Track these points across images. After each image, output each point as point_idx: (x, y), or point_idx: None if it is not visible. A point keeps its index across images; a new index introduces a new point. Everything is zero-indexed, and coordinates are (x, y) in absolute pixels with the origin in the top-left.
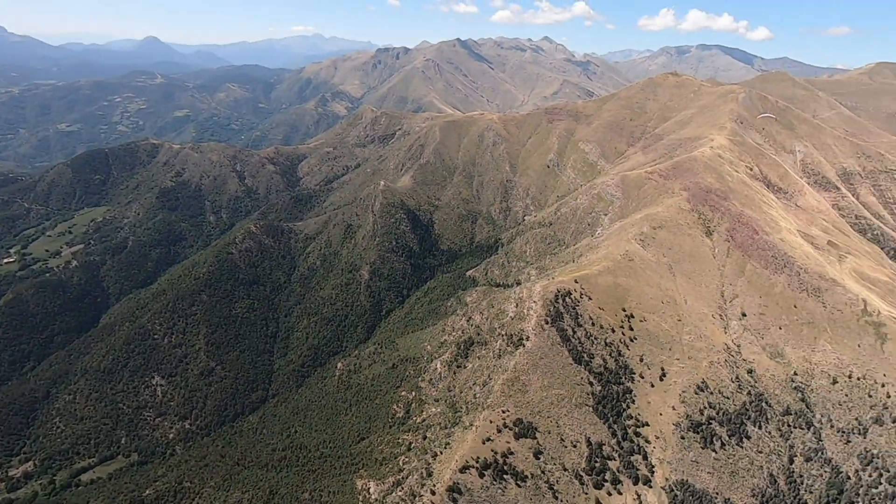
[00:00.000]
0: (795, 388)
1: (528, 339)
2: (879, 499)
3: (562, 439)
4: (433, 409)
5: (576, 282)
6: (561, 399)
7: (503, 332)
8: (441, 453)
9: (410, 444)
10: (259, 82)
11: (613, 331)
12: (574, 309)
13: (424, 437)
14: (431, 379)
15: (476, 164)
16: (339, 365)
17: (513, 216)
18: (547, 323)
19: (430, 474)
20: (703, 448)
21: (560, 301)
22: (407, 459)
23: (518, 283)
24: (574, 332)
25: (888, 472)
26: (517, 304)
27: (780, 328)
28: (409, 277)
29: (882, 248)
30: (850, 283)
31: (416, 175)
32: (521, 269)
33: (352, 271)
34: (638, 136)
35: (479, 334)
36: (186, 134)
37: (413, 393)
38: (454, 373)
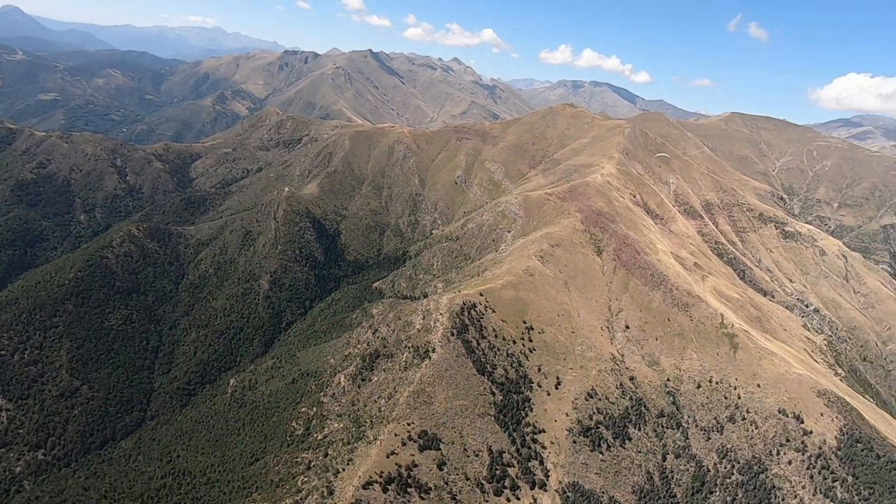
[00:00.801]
0: (668, 392)
1: (434, 350)
2: (732, 487)
3: (465, 449)
4: (336, 425)
5: (481, 295)
6: (465, 409)
7: (409, 345)
8: (343, 470)
9: (310, 462)
10: (147, 71)
11: (515, 342)
12: (479, 321)
13: (326, 455)
14: (334, 393)
15: (386, 176)
16: (232, 381)
17: (421, 229)
18: (453, 335)
19: (331, 492)
20: (591, 451)
21: (466, 313)
22: (306, 479)
23: (425, 296)
24: (478, 344)
25: (739, 463)
26: (424, 317)
27: (657, 339)
28: (313, 288)
29: (734, 270)
30: (711, 300)
31: (323, 183)
32: (428, 282)
33: (249, 280)
34: (539, 160)
35: (385, 347)
36: (53, 121)
37: (314, 409)
38: (358, 386)
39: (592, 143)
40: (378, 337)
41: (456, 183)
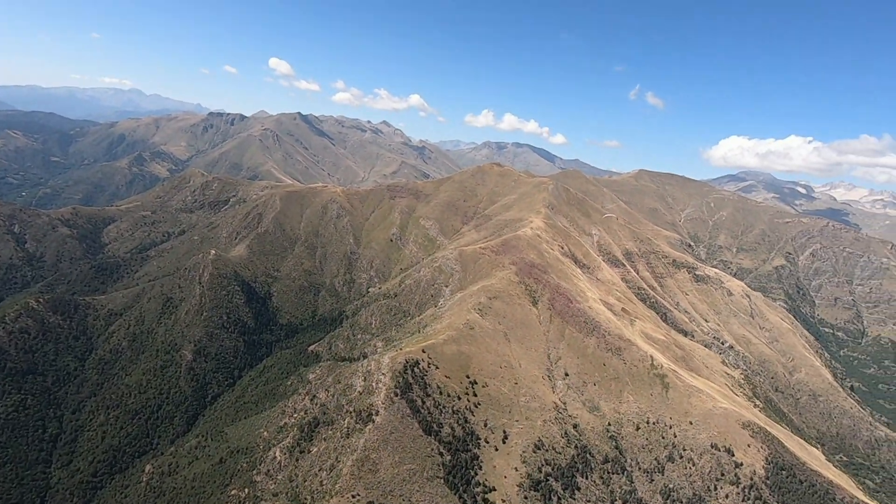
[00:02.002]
0: (610, 437)
1: (377, 413)
2: None
3: None
4: None
5: (423, 351)
6: (413, 474)
7: (351, 409)
8: None
9: None
10: (54, 132)
11: (459, 398)
12: (423, 379)
13: None
14: (269, 470)
15: (319, 236)
16: (148, 467)
17: (357, 288)
18: (396, 395)
19: None
20: None
21: (409, 372)
22: None
23: (365, 356)
24: (423, 403)
25: (681, 502)
26: (365, 378)
27: (595, 384)
28: (243, 356)
29: (657, 313)
30: (640, 343)
31: (252, 244)
32: (367, 342)
33: (170, 352)
34: (471, 216)
35: (324, 413)
36: None
37: (246, 490)
38: (297, 460)
39: (520, 199)
40: (316, 403)
41: (391, 240)
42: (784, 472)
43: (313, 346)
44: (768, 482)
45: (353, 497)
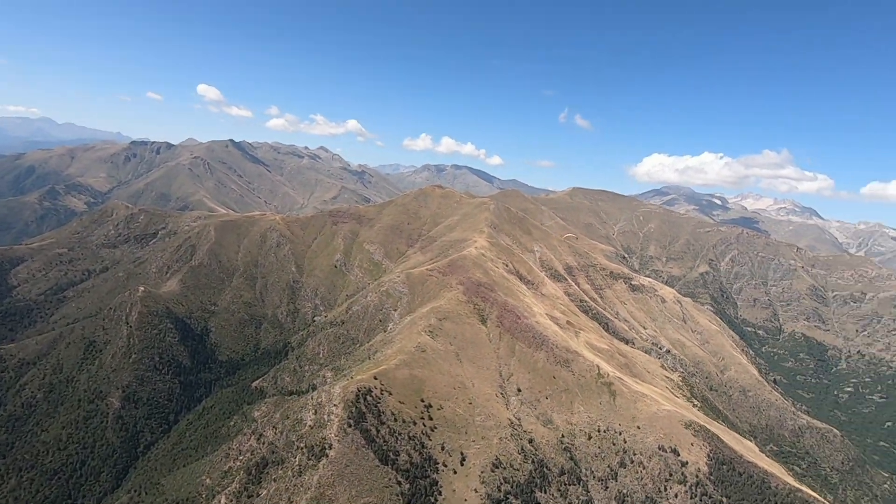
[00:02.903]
0: (565, 448)
1: (331, 447)
2: None
3: None
4: None
5: (375, 378)
6: None
7: (302, 445)
8: None
9: None
10: None
11: (415, 423)
12: (376, 406)
13: None
14: None
15: (259, 266)
16: None
17: (301, 318)
18: (350, 426)
19: None
20: None
21: (362, 400)
22: None
23: (314, 388)
24: (378, 431)
25: None
26: (316, 411)
27: (547, 397)
28: (179, 398)
29: (599, 323)
30: (586, 353)
31: (186, 278)
32: (315, 373)
33: (95, 401)
34: (416, 238)
35: (273, 452)
36: None
37: None
38: None
39: (463, 219)
40: (264, 442)
41: (335, 267)
42: (725, 467)
43: (257, 382)
44: (712, 477)
45: None
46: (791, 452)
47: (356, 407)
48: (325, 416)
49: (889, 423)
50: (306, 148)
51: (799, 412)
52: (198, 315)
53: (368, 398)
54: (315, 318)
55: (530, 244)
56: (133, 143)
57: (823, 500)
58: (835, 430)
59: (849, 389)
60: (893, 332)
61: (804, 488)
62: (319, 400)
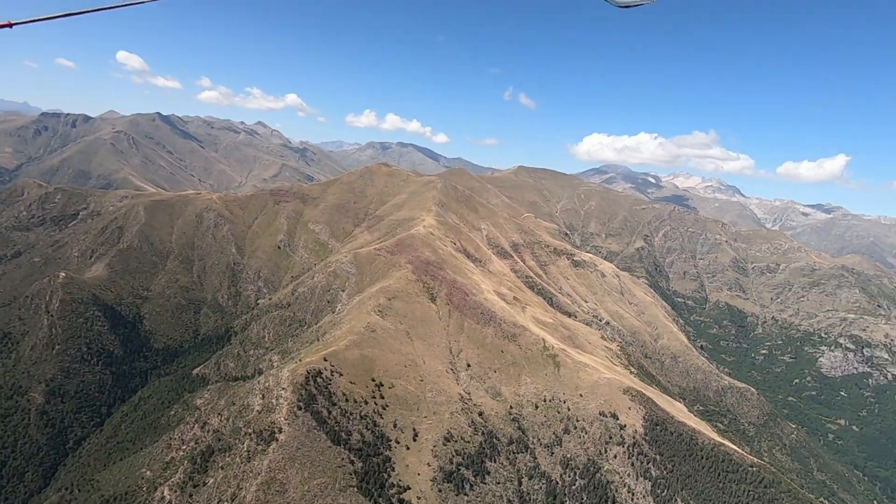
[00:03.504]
0: (513, 419)
1: (281, 431)
2: (577, 492)
3: None
4: None
5: (325, 360)
6: (324, 488)
7: (250, 431)
8: None
9: None
10: None
11: (367, 402)
12: (327, 388)
13: None
14: None
15: (195, 248)
16: None
17: (244, 301)
18: (300, 409)
19: None
20: (457, 494)
21: (311, 383)
22: None
23: (260, 373)
24: (330, 413)
25: (578, 469)
26: (263, 396)
27: (495, 371)
28: (111, 390)
29: (544, 298)
30: (532, 327)
31: (113, 262)
32: (261, 357)
33: (14, 397)
34: (362, 217)
35: (219, 440)
36: None
37: None
38: (190, 495)
39: (410, 198)
40: (209, 430)
41: (279, 247)
42: (658, 427)
43: (198, 369)
44: (647, 438)
45: None
46: (715, 411)
47: (306, 390)
48: (274, 401)
49: (797, 381)
50: (242, 123)
51: (722, 374)
52: (129, 301)
53: (318, 380)
54: (259, 301)
55: (477, 222)
56: (44, 114)
57: (742, 451)
58: (752, 389)
59: (764, 352)
60: (802, 299)
61: (726, 442)
62: (267, 384)
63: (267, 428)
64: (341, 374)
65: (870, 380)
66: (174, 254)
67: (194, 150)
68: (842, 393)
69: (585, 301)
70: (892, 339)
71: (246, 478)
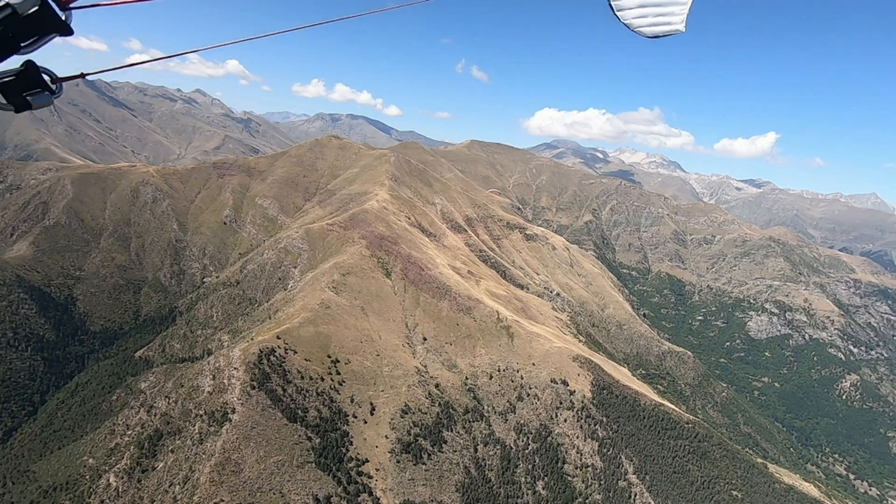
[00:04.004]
0: (469, 389)
1: (234, 411)
2: (530, 455)
3: None
4: None
5: (278, 338)
6: (281, 465)
7: (202, 412)
8: None
9: None
10: None
11: (322, 379)
12: (281, 366)
13: None
14: (103, 501)
15: (132, 224)
16: None
17: (189, 279)
18: (253, 388)
19: None
20: (415, 465)
21: (265, 361)
22: None
23: (209, 353)
24: (285, 391)
25: (531, 433)
26: (214, 376)
27: (451, 344)
28: (43, 377)
29: (497, 272)
30: (487, 300)
31: (39, 241)
32: (209, 337)
33: None
34: (313, 192)
35: (168, 423)
36: None
37: None
38: (139, 481)
39: (363, 171)
40: (156, 414)
41: (225, 223)
42: (605, 391)
43: (141, 352)
44: (594, 402)
45: None
46: (656, 374)
47: (259, 368)
48: (226, 381)
49: (728, 343)
50: (179, 90)
51: (662, 340)
52: (59, 282)
53: (272, 358)
54: (205, 280)
55: (431, 196)
56: None
57: (679, 410)
58: (688, 353)
59: (699, 318)
60: (734, 268)
61: (666, 403)
62: (217, 364)
63: (219, 409)
64: (296, 352)
65: (790, 340)
66: (108, 231)
67: (126, 119)
68: (766, 353)
69: (537, 274)
70: (810, 304)
71: (199, 460)
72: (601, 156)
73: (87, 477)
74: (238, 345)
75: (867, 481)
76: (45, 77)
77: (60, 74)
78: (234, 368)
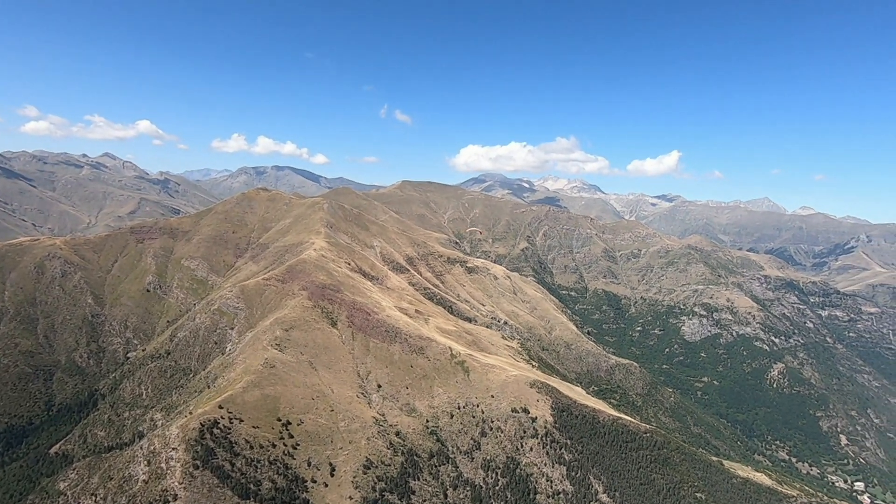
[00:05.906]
0: (431, 432)
1: (176, 498)
2: (501, 491)
3: None
4: None
5: (220, 407)
6: None
7: None
8: None
9: None
10: None
11: (274, 445)
12: (227, 438)
13: None
14: None
15: (38, 304)
16: None
17: (110, 357)
18: (197, 468)
19: None
20: None
21: (207, 435)
22: None
23: (141, 437)
24: (233, 465)
25: (499, 468)
26: (149, 462)
27: (407, 387)
28: None
29: (444, 307)
30: (438, 337)
31: None
32: (139, 419)
33: None
34: (244, 248)
35: None
36: None
37: None
38: None
39: (296, 221)
40: None
41: (148, 290)
42: (565, 413)
43: (58, 447)
44: (557, 425)
45: None
46: (607, 388)
47: (202, 444)
48: (163, 465)
49: (667, 350)
50: (85, 156)
51: (608, 354)
52: None
53: (216, 431)
54: (129, 355)
55: (369, 240)
56: None
57: (636, 421)
58: (634, 364)
59: (638, 329)
60: (662, 278)
61: (622, 416)
62: (152, 447)
63: (158, 498)
64: (241, 420)
65: (721, 339)
66: (9, 314)
67: (25, 191)
68: (702, 354)
69: (483, 305)
70: (732, 302)
71: None
72: (527, 185)
73: None
74: (175, 422)
75: (807, 462)
76: None
77: None
78: (173, 449)
